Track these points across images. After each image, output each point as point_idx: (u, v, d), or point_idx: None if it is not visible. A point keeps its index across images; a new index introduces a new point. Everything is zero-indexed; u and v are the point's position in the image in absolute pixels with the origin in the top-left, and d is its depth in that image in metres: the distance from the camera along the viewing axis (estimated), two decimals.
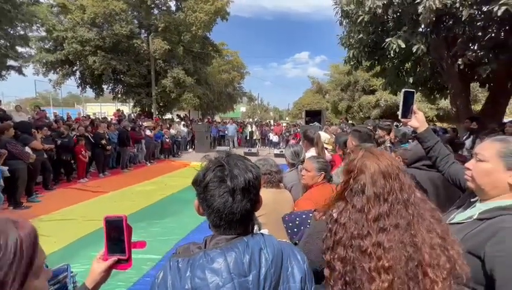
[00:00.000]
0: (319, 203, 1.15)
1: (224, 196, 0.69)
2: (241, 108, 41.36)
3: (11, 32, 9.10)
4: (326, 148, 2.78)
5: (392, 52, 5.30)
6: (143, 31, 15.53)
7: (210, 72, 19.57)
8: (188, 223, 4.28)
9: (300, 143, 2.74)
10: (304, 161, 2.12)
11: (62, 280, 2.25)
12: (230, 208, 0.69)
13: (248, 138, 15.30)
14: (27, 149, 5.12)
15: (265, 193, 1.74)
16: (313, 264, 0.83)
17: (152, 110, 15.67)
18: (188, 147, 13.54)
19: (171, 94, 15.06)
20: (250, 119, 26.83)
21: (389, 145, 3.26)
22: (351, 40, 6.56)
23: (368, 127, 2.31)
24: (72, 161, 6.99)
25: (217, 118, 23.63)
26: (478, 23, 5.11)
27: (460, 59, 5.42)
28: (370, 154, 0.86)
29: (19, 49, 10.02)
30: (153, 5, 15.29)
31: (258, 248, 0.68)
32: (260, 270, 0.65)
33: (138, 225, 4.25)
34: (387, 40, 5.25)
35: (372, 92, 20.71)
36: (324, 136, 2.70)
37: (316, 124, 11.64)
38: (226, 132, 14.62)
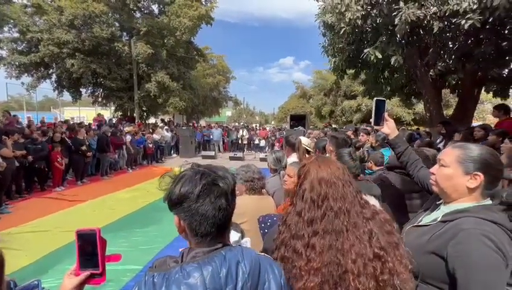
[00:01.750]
0: None
1: (218, 201, 0.69)
2: (227, 112, 41.26)
3: None
4: (309, 153, 2.85)
5: (370, 61, 5.56)
6: (125, 34, 15.16)
7: (194, 76, 19.41)
8: (171, 231, 4.14)
9: (283, 148, 2.79)
10: (286, 167, 2.15)
11: None
12: (225, 211, 0.70)
13: (238, 142, 15.24)
14: None
15: (248, 200, 1.76)
16: None
17: (134, 115, 15.24)
18: (172, 152, 13.27)
19: (156, 99, 14.77)
20: (237, 124, 26.81)
21: (366, 149, 3.40)
22: (334, 49, 6.82)
23: (347, 133, 2.39)
24: (47, 169, 6.63)
25: (203, 123, 23.40)
26: (447, 34, 5.49)
27: (432, 70, 5.79)
28: (316, 162, 0.91)
29: None
30: (135, 8, 15.00)
31: (236, 261, 0.67)
32: (237, 284, 0.65)
33: (118, 234, 4.09)
34: (365, 50, 5.49)
35: (354, 97, 21.45)
36: (306, 141, 2.75)
37: (301, 128, 11.85)
38: (211, 137, 14.51)
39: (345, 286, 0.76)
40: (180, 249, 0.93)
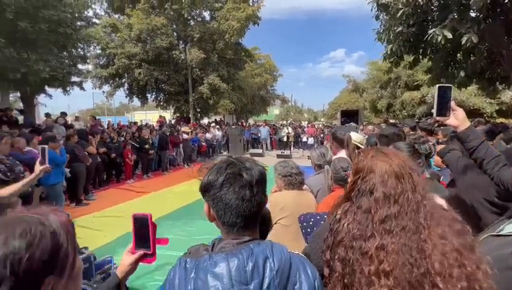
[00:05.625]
0: None
1: (241, 191, 0.70)
2: (275, 110, 41.38)
3: (73, 52, 10.54)
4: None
5: (437, 43, 4.80)
6: (181, 42, 16.61)
7: (243, 77, 20.04)
8: None
9: (329, 145, 2.64)
10: (330, 162, 2.04)
11: (107, 270, 2.54)
12: (249, 202, 0.70)
13: (285, 140, 15.17)
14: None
15: (286, 195, 1.73)
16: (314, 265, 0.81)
17: (190, 116, 16.62)
18: (222, 150, 14.00)
19: (208, 100, 15.82)
20: (285, 121, 26.69)
21: (432, 143, 2.93)
22: (389, 34, 6.12)
23: (398, 126, 2.11)
24: (123, 164, 7.79)
25: (251, 121, 24.01)
26: None
27: None
28: (381, 154, 0.81)
29: (80, 66, 11.55)
30: (189, 17, 16.28)
31: (264, 256, 0.66)
32: (263, 281, 0.63)
33: (175, 224, 4.54)
34: (430, 31, 4.76)
35: (417, 87, 18.93)
36: (358, 137, 2.54)
37: (353, 124, 11.06)
38: (259, 135, 14.77)
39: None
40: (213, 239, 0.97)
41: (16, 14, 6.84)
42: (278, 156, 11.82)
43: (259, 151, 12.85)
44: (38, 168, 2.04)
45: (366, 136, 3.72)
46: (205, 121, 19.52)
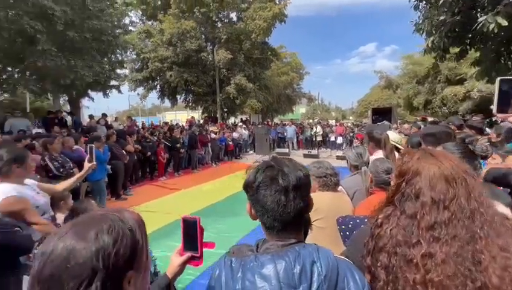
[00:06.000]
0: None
1: (277, 195, 0.70)
2: (301, 109, 40.73)
3: (113, 58, 11.41)
4: (398, 150, 2.46)
5: (489, 32, 4.30)
6: (209, 44, 17.10)
7: (269, 76, 20.02)
8: (250, 222, 4.47)
9: (364, 144, 2.51)
10: (368, 163, 1.94)
11: None
12: (284, 207, 0.70)
13: (313, 139, 14.84)
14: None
15: (321, 197, 1.68)
16: None
17: (217, 116, 17.05)
18: (249, 149, 14.13)
19: (235, 100, 16.09)
20: (311, 120, 26.12)
21: (487, 143, 2.63)
22: (430, 25, 5.63)
23: (449, 125, 1.93)
24: (156, 162, 8.25)
25: (277, 120, 23.92)
26: None
27: None
28: (429, 156, 0.76)
29: (118, 71, 12.48)
30: (216, 20, 16.68)
31: (310, 260, 0.65)
32: (311, 285, 0.62)
33: (205, 221, 4.60)
34: (480, 19, 4.29)
35: (460, 81, 17.28)
36: (394, 136, 2.39)
37: (385, 122, 10.46)
38: (285, 134, 14.64)
39: None
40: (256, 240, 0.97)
41: (65, 25, 7.57)
42: (305, 155, 11.61)
43: (286, 150, 12.74)
44: (87, 165, 2.22)
45: (403, 136, 3.49)
46: (231, 120, 19.89)
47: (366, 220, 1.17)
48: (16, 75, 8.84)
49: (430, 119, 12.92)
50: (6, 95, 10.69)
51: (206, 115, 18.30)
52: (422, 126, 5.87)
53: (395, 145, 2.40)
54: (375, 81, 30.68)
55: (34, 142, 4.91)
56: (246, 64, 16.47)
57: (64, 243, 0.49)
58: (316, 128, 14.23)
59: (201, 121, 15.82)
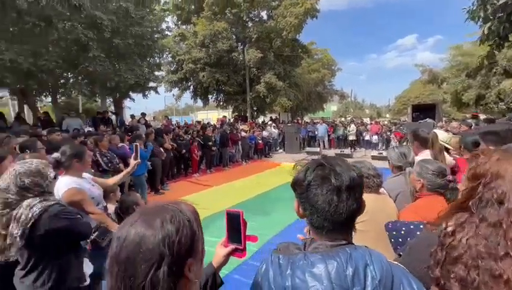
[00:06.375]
0: (427, 218, 0.97)
1: (328, 195, 0.68)
2: (332, 107, 39.36)
3: (151, 61, 12.23)
4: (448, 151, 2.25)
5: None
6: (239, 44, 17.36)
7: (299, 74, 19.68)
8: (279, 222, 4.48)
9: (408, 144, 2.34)
10: (412, 164, 1.80)
11: None
12: (336, 208, 0.68)
13: (346, 138, 14.27)
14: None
15: (365, 199, 1.60)
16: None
17: (247, 115, 17.27)
18: (278, 147, 14.08)
19: (265, 99, 16.15)
20: (343, 118, 25.06)
21: None
22: (486, 10, 4.99)
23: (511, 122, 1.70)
24: (190, 159, 8.65)
25: (307, 119, 23.46)
26: None
27: None
28: (510, 155, 0.67)
29: (156, 73, 13.35)
30: (247, 19, 16.85)
31: (363, 263, 0.62)
32: (365, 289, 0.60)
33: None
34: None
35: None
36: (445, 136, 2.19)
37: (428, 120, 9.63)
38: (316, 133, 14.28)
39: None
40: (301, 237, 0.96)
41: (112, 33, 8.29)
42: (337, 155, 11.20)
43: (316, 149, 12.43)
44: (133, 162, 2.41)
45: (452, 135, 3.18)
46: (261, 119, 19.99)
47: (421, 226, 1.08)
48: (70, 80, 9.95)
49: (482, 116, 11.58)
50: (63, 98, 12.08)
51: (236, 113, 18.64)
52: (473, 124, 5.27)
53: (444, 146, 2.20)
54: (415, 75, 28.27)
55: (86, 139, 5.47)
56: (276, 63, 16.40)
57: (135, 230, 0.55)
58: (350, 126, 13.62)
59: (232, 120, 16.18)
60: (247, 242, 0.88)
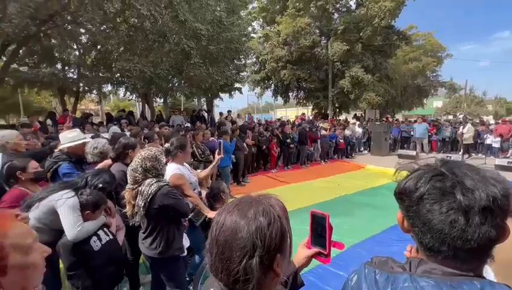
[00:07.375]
0: None
1: (451, 215, 0.54)
2: (435, 102, 32.63)
3: (237, 63, 13.32)
4: None
5: None
6: (323, 38, 16.62)
7: (392, 65, 17.16)
8: (362, 229, 4.09)
9: None
10: None
11: None
12: (462, 232, 0.53)
13: (456, 140, 11.58)
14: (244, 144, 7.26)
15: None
16: None
17: (328, 112, 16.44)
18: (362, 148, 12.81)
19: (349, 95, 14.99)
20: (451, 116, 20.32)
21: None
22: None
23: None
24: (269, 155, 8.99)
25: (399, 116, 20.27)
26: None
27: None
28: None
29: (241, 74, 14.46)
30: (333, 11, 15.90)
31: None
32: None
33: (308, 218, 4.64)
34: None
35: None
36: None
37: None
38: (412, 133, 12.14)
39: None
40: (406, 254, 0.82)
41: (208, 40, 9.46)
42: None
43: (412, 152, 10.59)
44: (217, 157, 2.78)
45: None
46: (343, 116, 18.65)
47: None
48: (176, 84, 12.04)
49: None
50: (170, 99, 14.78)
51: (316, 111, 18.05)
52: None
53: None
54: None
55: (185, 133, 6.50)
56: (364, 54, 14.86)
57: (232, 218, 0.59)
58: (465, 126, 10.83)
59: (311, 118, 15.77)
60: (332, 248, 0.83)
